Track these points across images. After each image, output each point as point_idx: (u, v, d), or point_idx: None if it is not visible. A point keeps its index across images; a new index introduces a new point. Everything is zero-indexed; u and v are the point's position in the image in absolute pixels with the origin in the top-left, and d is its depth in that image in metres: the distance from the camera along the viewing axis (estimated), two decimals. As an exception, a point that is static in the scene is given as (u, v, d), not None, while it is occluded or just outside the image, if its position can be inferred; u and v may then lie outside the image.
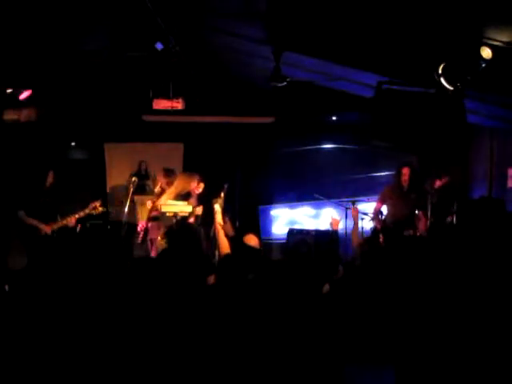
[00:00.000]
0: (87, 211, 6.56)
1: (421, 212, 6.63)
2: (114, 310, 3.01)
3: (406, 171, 6.69)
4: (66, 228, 6.46)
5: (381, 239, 6.34)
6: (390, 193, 6.84)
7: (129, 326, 2.90)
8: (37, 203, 6.49)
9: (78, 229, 6.69)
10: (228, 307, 3.02)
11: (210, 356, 2.72)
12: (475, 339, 2.75)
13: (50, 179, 6.61)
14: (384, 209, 7.01)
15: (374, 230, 6.69)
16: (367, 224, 7.77)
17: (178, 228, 5.88)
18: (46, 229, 6.35)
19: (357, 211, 6.01)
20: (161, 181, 7.06)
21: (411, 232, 6.44)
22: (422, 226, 6.67)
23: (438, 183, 7.10)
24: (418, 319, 2.90)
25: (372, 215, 7.24)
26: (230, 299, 3.14)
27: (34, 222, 6.32)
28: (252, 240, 6.01)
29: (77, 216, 6.51)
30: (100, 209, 6.66)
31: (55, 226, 6.40)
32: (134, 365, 2.76)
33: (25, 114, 7.53)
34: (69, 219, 6.46)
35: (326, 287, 3.69)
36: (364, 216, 7.90)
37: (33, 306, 3.08)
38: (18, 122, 7.53)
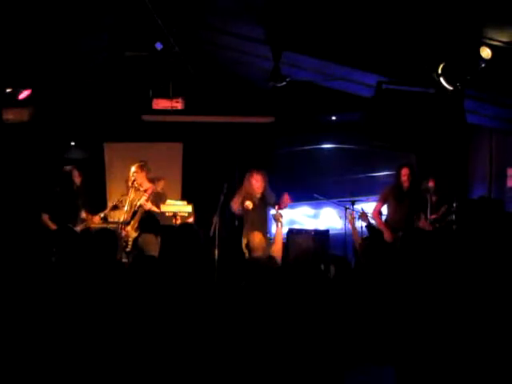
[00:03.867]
0: (110, 204, 6.63)
1: (421, 212, 6.63)
2: (113, 310, 3.01)
3: (405, 172, 6.66)
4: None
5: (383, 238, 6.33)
6: (390, 193, 6.81)
7: (128, 326, 2.90)
8: (63, 206, 6.44)
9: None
10: (227, 309, 3.02)
11: (211, 358, 2.72)
12: (475, 339, 2.75)
13: (76, 179, 6.60)
14: (384, 209, 6.99)
15: (372, 228, 6.64)
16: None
17: (178, 227, 5.85)
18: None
19: (353, 217, 6.00)
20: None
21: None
22: (421, 226, 6.65)
23: (430, 183, 7.13)
24: (418, 319, 2.90)
25: (371, 215, 7.22)
26: (229, 301, 3.14)
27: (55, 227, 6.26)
28: (257, 237, 6.04)
29: (101, 215, 6.52)
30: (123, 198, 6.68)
31: (79, 229, 6.33)
32: (134, 365, 2.76)
33: (18, 114, 7.51)
34: (93, 219, 6.47)
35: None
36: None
37: (34, 308, 3.08)
38: (12, 122, 7.51)
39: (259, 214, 6.95)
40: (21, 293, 3.21)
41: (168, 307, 2.95)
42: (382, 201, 6.90)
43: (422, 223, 6.59)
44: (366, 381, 2.61)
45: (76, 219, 6.46)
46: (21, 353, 2.85)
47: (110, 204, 6.73)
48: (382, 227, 6.63)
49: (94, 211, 7.10)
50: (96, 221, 6.48)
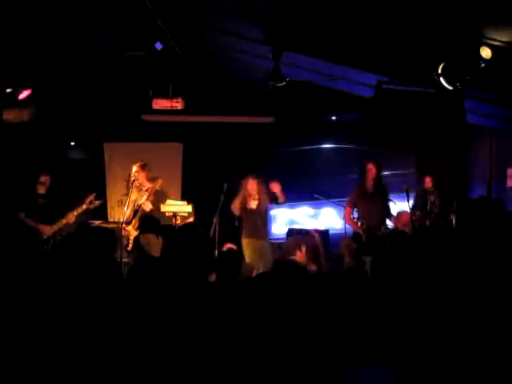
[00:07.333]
0: (84, 206, 6.57)
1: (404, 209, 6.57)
2: (113, 310, 3.01)
3: (371, 167, 6.46)
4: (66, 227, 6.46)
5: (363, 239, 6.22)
6: (359, 195, 6.60)
7: (129, 326, 2.90)
8: (36, 205, 6.48)
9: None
10: (227, 307, 3.02)
11: (210, 356, 2.72)
12: (475, 338, 2.75)
13: (44, 181, 6.62)
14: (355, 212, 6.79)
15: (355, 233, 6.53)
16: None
17: (181, 227, 5.84)
18: (46, 230, 6.34)
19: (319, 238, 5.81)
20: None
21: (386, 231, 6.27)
22: (402, 223, 6.55)
23: (427, 180, 7.10)
24: (418, 317, 2.90)
25: (344, 221, 7.07)
26: (229, 299, 3.14)
27: (34, 224, 6.32)
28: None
29: (75, 213, 6.51)
30: (96, 202, 6.67)
31: (56, 227, 6.38)
32: (134, 365, 2.76)
33: (18, 114, 7.51)
34: (68, 217, 6.46)
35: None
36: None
37: (32, 309, 3.08)
38: (12, 121, 7.52)
39: (259, 216, 7.00)
40: (18, 292, 3.21)
41: (170, 307, 2.95)
42: (352, 205, 6.67)
43: (403, 221, 6.49)
44: (366, 379, 2.61)
45: (52, 219, 6.52)
46: (18, 353, 2.85)
47: (109, 204, 6.73)
48: (359, 230, 6.41)
49: (93, 211, 7.13)
50: (70, 219, 6.49)
